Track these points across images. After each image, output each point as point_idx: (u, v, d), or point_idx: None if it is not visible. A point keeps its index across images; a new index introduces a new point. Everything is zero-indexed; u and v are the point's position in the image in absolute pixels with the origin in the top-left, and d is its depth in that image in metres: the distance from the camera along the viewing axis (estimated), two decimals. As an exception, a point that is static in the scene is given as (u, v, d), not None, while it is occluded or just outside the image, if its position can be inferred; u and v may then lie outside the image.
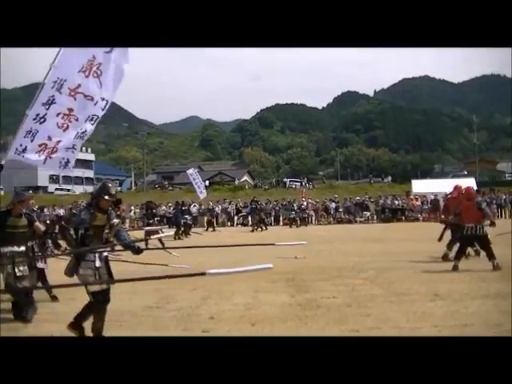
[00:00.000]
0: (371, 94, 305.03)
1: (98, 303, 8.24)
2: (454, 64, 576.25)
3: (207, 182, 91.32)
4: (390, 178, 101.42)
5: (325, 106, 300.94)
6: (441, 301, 11.13)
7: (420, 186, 54.64)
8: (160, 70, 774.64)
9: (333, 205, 49.09)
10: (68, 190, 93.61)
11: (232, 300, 11.89)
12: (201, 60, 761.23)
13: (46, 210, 41.30)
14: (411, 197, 48.33)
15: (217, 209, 49.13)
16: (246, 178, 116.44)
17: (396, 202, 47.65)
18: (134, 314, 10.70)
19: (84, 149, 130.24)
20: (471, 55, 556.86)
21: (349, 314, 10.15)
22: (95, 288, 8.19)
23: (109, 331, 9.08)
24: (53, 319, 10.23)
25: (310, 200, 49.39)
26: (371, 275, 14.91)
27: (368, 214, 48.08)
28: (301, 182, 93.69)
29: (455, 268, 15.24)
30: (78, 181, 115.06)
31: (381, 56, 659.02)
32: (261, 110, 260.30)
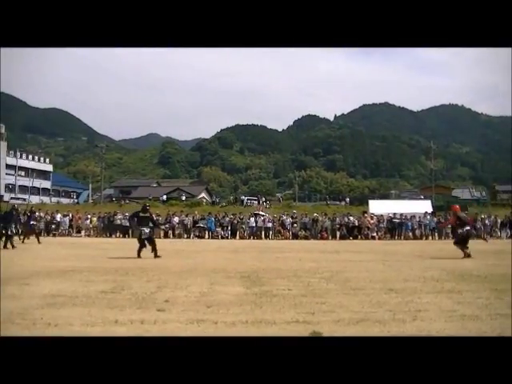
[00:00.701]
0: (331, 118, 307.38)
1: None
2: (413, 92, 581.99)
3: (164, 197, 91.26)
4: (347, 200, 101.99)
5: (285, 128, 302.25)
6: (395, 293, 11.26)
7: (377, 206, 55.15)
8: (122, 85, 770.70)
9: (289, 220, 49.21)
10: (24, 199, 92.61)
11: (187, 289, 11.84)
12: (163, 78, 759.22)
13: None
14: (366, 215, 48.66)
15: (174, 220, 49.02)
16: (203, 194, 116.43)
17: (351, 219, 47.99)
18: (89, 296, 10.63)
19: (42, 159, 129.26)
20: (430, 83, 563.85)
21: (304, 301, 10.19)
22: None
23: (62, 308, 9.10)
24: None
25: (266, 214, 49.67)
26: (327, 275, 14.96)
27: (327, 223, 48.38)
28: (258, 200, 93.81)
29: None
30: (35, 191, 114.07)
31: (341, 81, 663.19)
32: (221, 130, 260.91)
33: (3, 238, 28.03)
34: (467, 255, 20.83)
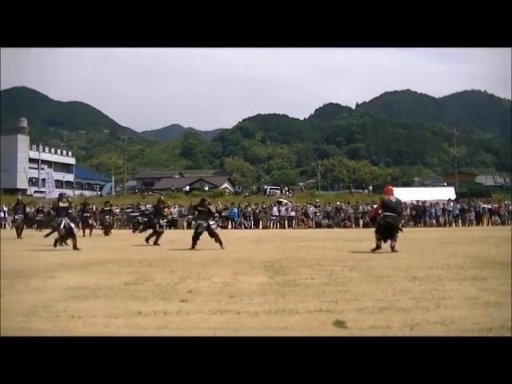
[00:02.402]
0: (353, 106, 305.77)
1: None
2: (435, 78, 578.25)
3: (187, 188, 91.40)
4: (370, 188, 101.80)
5: (306, 117, 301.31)
6: (419, 281, 11.23)
7: (400, 193, 54.84)
8: (143, 78, 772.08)
9: (312, 209, 49.19)
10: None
11: (211, 280, 11.86)
12: (183, 69, 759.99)
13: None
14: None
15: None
16: (226, 185, 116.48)
17: (374, 207, 47.86)
18: (112, 288, 10.66)
19: (65, 152, 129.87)
20: (452, 70, 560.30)
21: (327, 290, 10.17)
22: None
23: (85, 300, 9.14)
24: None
25: (289, 203, 49.74)
26: (350, 264, 14.95)
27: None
28: (281, 190, 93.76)
29: None
30: (58, 184, 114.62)
31: (362, 69, 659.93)
32: (242, 120, 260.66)
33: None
34: (376, 247, 19.29)
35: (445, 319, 7.36)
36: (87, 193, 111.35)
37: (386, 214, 19.57)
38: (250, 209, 49.14)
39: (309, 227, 47.25)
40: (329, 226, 46.98)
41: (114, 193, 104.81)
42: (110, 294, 10.00)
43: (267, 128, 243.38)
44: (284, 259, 16.51)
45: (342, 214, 49.13)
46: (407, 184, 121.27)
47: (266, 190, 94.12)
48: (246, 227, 47.44)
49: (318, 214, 49.16)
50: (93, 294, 9.97)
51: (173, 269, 14.05)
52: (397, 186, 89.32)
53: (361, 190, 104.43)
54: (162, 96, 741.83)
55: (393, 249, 18.90)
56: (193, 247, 21.35)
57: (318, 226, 47.70)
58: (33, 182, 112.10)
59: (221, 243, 21.41)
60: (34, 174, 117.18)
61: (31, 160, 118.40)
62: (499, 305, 8.48)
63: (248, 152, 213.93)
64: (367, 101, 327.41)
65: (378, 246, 19.23)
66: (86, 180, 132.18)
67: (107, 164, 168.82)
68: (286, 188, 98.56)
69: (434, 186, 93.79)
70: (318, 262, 15.36)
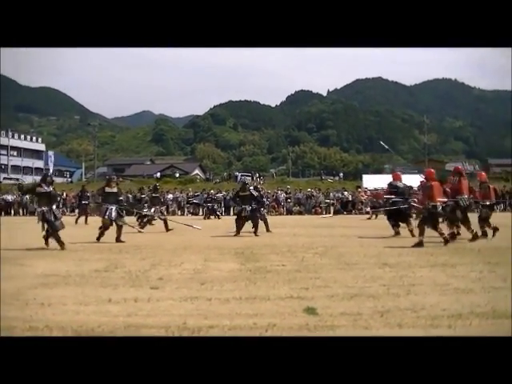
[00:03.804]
0: (324, 93, 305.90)
1: None
2: (406, 66, 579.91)
3: (158, 174, 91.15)
4: (341, 175, 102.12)
5: (278, 104, 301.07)
6: (389, 268, 11.30)
7: (370, 180, 55.17)
8: (114, 63, 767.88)
9: (283, 195, 49.30)
10: (17, 179, 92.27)
11: (181, 267, 11.84)
12: (155, 55, 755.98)
13: None
14: (360, 190, 48.71)
15: (168, 197, 48.98)
16: (197, 171, 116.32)
17: (345, 194, 48.20)
18: (83, 275, 10.61)
19: (34, 139, 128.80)
20: (423, 58, 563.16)
21: (298, 277, 10.20)
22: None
23: (55, 288, 9.09)
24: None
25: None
26: (321, 250, 15.00)
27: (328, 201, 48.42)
28: (252, 177, 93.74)
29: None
30: (28, 171, 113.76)
31: (334, 56, 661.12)
32: (214, 107, 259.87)
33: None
34: (396, 233, 19.69)
35: (415, 305, 7.42)
36: (57, 179, 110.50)
37: (395, 200, 19.77)
38: (220, 195, 49.02)
39: (280, 214, 47.35)
40: (300, 213, 47.12)
41: (84, 179, 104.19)
42: (81, 281, 9.96)
43: (239, 115, 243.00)
44: (255, 246, 16.52)
45: (313, 201, 49.29)
46: (378, 171, 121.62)
47: (237, 177, 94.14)
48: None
49: (289, 200, 49.29)
50: (63, 281, 9.92)
51: (144, 256, 14.02)
52: (367, 172, 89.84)
53: (331, 177, 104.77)
54: (133, 82, 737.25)
55: (412, 232, 18.79)
56: (238, 233, 21.32)
57: (289, 212, 47.86)
58: (1, 168, 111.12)
59: (267, 227, 22.12)
60: (4, 160, 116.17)
61: (0, 146, 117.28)
62: (468, 291, 8.59)
63: (219, 139, 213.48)
64: (339, 88, 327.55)
65: (397, 233, 19.55)
66: (56, 167, 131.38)
67: (78, 150, 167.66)
68: (257, 175, 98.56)
69: (404, 172, 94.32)
70: (288, 249, 15.39)
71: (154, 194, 25.90)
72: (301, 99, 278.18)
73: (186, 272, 11.01)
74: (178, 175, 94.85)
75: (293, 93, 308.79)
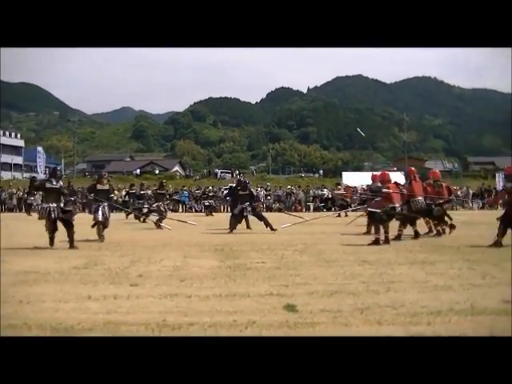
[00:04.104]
0: (305, 90, 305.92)
1: None
2: (386, 64, 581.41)
3: (138, 171, 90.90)
4: (321, 172, 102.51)
5: (258, 101, 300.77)
6: (369, 265, 11.36)
7: (350, 178, 55.33)
8: (94, 60, 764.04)
9: (263, 192, 49.28)
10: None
11: (161, 263, 11.83)
12: (134, 51, 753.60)
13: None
14: (340, 187, 48.77)
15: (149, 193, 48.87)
16: (177, 168, 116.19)
17: (325, 191, 48.29)
18: (62, 272, 10.57)
19: (13, 134, 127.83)
20: (403, 56, 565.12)
21: (278, 274, 10.22)
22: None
23: (34, 285, 9.04)
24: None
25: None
26: (300, 248, 15.04)
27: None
28: (232, 173, 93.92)
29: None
30: (6, 167, 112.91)
31: (315, 53, 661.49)
32: (194, 103, 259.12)
33: None
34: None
35: (394, 302, 7.45)
36: (37, 176, 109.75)
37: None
38: (200, 192, 48.99)
39: (260, 211, 47.26)
40: (279, 210, 47.10)
41: (63, 176, 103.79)
42: (60, 278, 9.93)
43: (219, 111, 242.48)
44: (235, 243, 16.53)
45: (293, 198, 49.35)
46: (358, 168, 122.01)
47: (216, 174, 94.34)
48: (196, 210, 47.35)
49: (269, 197, 49.31)
50: (42, 278, 9.88)
51: (123, 253, 13.98)
52: (347, 170, 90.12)
53: (311, 174, 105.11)
54: (114, 78, 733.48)
55: (416, 234, 18.08)
56: (231, 231, 21.43)
57: (269, 209, 47.81)
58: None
59: (271, 226, 21.52)
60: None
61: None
62: (447, 288, 8.64)
63: (199, 135, 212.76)
64: (319, 85, 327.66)
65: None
66: (35, 163, 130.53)
67: (57, 147, 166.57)
68: (237, 171, 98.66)
69: (384, 170, 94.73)
70: (268, 246, 15.40)
71: (159, 191, 26.40)
72: (281, 96, 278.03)
73: (166, 269, 11.01)
74: (157, 172, 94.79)
75: (273, 90, 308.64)
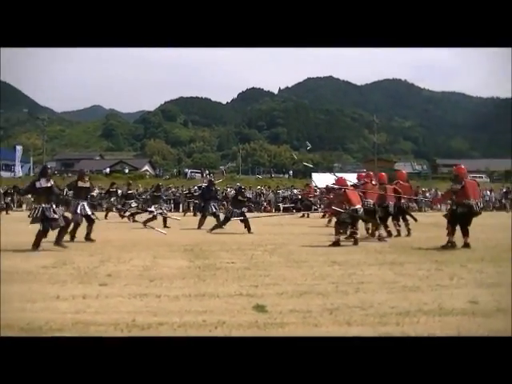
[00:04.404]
0: (276, 91, 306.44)
1: None
2: (357, 66, 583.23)
3: (108, 170, 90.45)
4: (291, 173, 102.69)
5: (229, 101, 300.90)
6: (338, 266, 11.41)
7: (320, 179, 55.34)
8: (65, 57, 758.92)
9: (232, 193, 49.21)
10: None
11: (130, 263, 11.80)
12: (105, 49, 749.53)
13: None
14: (310, 186, 48.82)
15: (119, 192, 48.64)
16: (147, 167, 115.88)
17: (295, 192, 48.35)
18: (30, 272, 10.49)
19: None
20: (373, 58, 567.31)
21: (247, 275, 10.24)
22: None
23: (2, 285, 8.94)
24: None
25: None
26: (270, 248, 15.06)
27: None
28: (201, 173, 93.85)
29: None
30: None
31: (286, 54, 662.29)
32: (165, 103, 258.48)
33: None
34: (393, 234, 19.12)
35: (364, 303, 7.50)
36: (4, 174, 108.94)
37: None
38: (170, 192, 48.84)
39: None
40: (249, 210, 47.10)
41: (32, 174, 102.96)
42: (28, 277, 9.86)
43: (189, 111, 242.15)
44: (204, 243, 16.51)
45: (263, 199, 49.37)
46: (328, 169, 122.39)
47: (186, 174, 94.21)
48: (184, 210, 47.25)
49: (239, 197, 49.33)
50: (9, 278, 9.75)
51: (92, 252, 13.91)
52: (317, 171, 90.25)
53: (281, 175, 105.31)
54: (83, 76, 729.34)
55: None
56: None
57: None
58: None
59: (249, 229, 21.56)
60: None
61: None
62: (416, 289, 8.73)
63: (169, 135, 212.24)
64: (290, 86, 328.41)
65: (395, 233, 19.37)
66: (3, 161, 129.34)
67: (26, 144, 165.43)
68: (207, 171, 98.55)
69: (353, 171, 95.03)
70: (238, 246, 15.42)
71: (155, 193, 26.79)
72: (252, 97, 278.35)
73: (135, 269, 10.98)
74: (127, 171, 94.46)
75: (244, 90, 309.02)
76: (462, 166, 15.82)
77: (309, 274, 10.34)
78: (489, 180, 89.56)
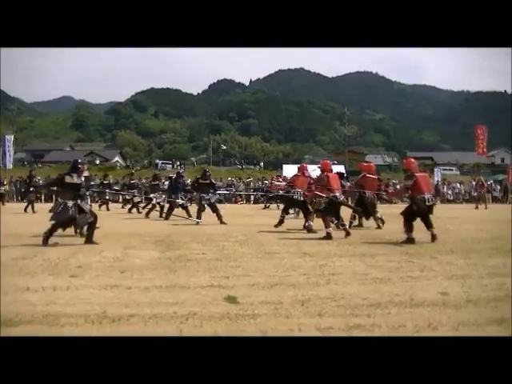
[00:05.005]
0: (247, 83, 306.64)
1: None
2: (328, 59, 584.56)
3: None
4: (262, 164, 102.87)
5: (200, 92, 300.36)
6: (309, 257, 11.44)
7: (291, 170, 55.40)
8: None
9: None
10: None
11: (101, 255, 11.73)
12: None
13: None
14: (275, 178, 48.88)
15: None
16: (117, 158, 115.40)
17: (266, 183, 48.40)
18: (-1, 263, 10.39)
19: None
20: (346, 51, 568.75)
21: (218, 266, 10.23)
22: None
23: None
24: None
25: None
26: (241, 239, 15.10)
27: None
28: (172, 164, 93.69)
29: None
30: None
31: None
32: (135, 93, 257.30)
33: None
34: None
35: (335, 294, 7.52)
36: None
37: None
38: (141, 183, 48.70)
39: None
40: (220, 202, 47.10)
41: (1, 165, 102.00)
42: (-3, 269, 9.75)
43: (160, 102, 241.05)
44: (175, 234, 16.51)
45: (233, 190, 49.39)
46: (298, 161, 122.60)
47: (157, 165, 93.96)
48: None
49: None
50: (-22, 269, 9.68)
51: (63, 243, 13.80)
52: (288, 162, 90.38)
53: (252, 166, 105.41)
54: (53, 66, 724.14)
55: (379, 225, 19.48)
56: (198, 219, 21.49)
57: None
58: None
59: (221, 218, 21.49)
60: None
61: None
62: (387, 280, 8.76)
63: (140, 126, 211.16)
64: (261, 78, 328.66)
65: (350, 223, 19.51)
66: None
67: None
68: (178, 163, 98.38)
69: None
70: (209, 238, 15.42)
71: (153, 182, 27.01)
72: (223, 88, 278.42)
73: (106, 260, 10.94)
74: (98, 162, 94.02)
75: (215, 81, 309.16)
76: (412, 160, 15.82)
77: (280, 265, 10.36)
78: (459, 173, 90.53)
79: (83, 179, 14.77)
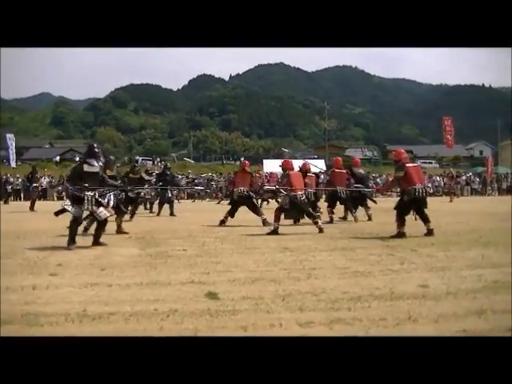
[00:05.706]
0: (226, 78, 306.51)
1: None
2: (308, 53, 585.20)
3: (58, 158, 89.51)
4: (242, 159, 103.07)
5: (180, 88, 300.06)
6: (290, 252, 11.47)
7: (271, 165, 55.55)
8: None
9: (184, 180, 49.15)
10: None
11: (81, 252, 11.70)
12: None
13: None
14: (257, 174, 48.95)
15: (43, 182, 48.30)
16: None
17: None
18: (-23, 263, 10.32)
19: None
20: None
21: (199, 262, 10.24)
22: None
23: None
24: None
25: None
26: (222, 235, 15.12)
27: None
28: (153, 161, 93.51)
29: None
30: None
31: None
32: (115, 89, 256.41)
33: None
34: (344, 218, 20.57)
35: (316, 289, 7.54)
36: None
37: (357, 185, 20.45)
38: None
39: (181, 198, 47.12)
40: (201, 198, 47.14)
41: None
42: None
43: (140, 98, 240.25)
44: (155, 230, 16.51)
45: (214, 186, 49.35)
46: (279, 156, 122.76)
47: (137, 161, 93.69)
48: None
49: (190, 185, 49.22)
50: (-44, 269, 9.61)
51: (42, 241, 13.78)
52: (268, 157, 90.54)
53: (232, 162, 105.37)
54: (31, 62, 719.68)
55: (369, 217, 20.07)
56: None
57: (190, 197, 47.74)
58: None
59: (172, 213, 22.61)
60: None
61: None
62: (367, 274, 8.79)
63: (120, 122, 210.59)
64: (241, 73, 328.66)
65: (345, 218, 20.39)
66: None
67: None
68: (158, 159, 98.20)
69: (304, 157, 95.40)
70: (189, 234, 15.44)
71: (147, 178, 26.86)
72: (203, 83, 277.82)
73: (86, 258, 10.88)
74: (77, 159, 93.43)
75: (195, 77, 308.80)
76: (402, 150, 15.80)
77: (260, 260, 10.38)
78: (438, 166, 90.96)
79: (115, 173, 14.56)
